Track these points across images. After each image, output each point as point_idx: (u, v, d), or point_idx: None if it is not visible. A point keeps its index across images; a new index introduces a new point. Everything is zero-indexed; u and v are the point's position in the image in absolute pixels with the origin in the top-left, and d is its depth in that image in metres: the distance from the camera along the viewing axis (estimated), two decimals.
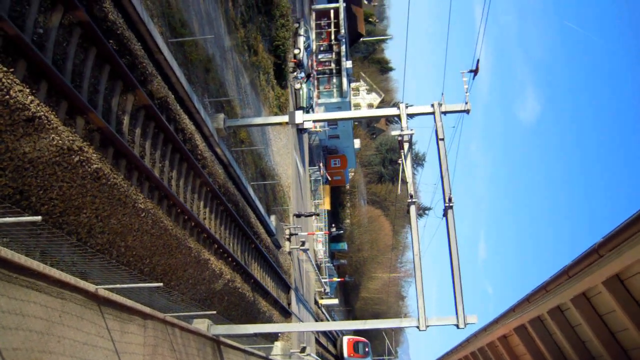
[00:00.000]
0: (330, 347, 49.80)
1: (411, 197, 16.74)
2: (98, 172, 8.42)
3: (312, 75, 42.41)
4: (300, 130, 33.68)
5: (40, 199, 7.54)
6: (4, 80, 6.52)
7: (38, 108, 7.06)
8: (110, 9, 9.91)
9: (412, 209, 16.77)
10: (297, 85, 33.52)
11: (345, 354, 51.46)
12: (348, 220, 73.50)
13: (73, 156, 7.80)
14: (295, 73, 33.15)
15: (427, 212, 79.69)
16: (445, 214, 16.13)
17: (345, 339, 52.40)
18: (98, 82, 9.78)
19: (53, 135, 7.34)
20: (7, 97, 6.55)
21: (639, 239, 4.25)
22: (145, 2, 11.93)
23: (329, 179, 56.81)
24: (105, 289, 8.29)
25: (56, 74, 8.04)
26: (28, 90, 6.98)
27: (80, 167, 8.00)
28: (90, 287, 7.90)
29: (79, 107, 8.76)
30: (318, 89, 50.41)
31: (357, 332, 62.09)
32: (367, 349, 52.68)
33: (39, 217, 5.81)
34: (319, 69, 51.37)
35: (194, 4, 15.75)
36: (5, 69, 6.62)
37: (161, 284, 9.27)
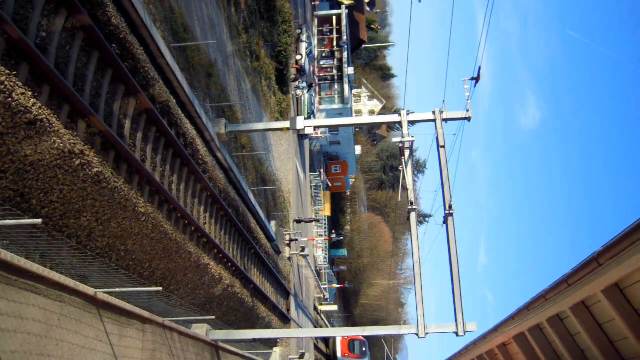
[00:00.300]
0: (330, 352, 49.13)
1: (412, 204, 16.74)
2: (99, 175, 8.44)
3: (314, 84, 42.40)
4: (302, 137, 33.76)
5: (41, 201, 7.55)
6: (6, 83, 6.55)
7: (40, 111, 7.09)
8: (113, 13, 9.95)
9: (413, 216, 16.77)
10: (299, 93, 33.51)
11: (339, 354, 46.17)
12: (348, 227, 73.46)
13: (74, 159, 7.82)
14: (297, 82, 33.11)
15: (427, 219, 79.72)
16: (445, 222, 16.11)
17: (339, 339, 46.72)
18: (100, 86, 9.81)
19: (54, 139, 7.37)
20: (10, 99, 6.58)
21: (638, 247, 4.25)
22: (149, 6, 11.98)
23: (330, 185, 56.79)
24: (104, 292, 8.29)
25: (58, 77, 8.07)
26: (30, 93, 7.01)
27: (81, 171, 8.02)
28: (90, 290, 7.90)
29: (81, 111, 8.79)
30: (320, 95, 50.51)
31: None
32: (364, 349, 47.39)
33: (39, 220, 5.81)
34: (321, 75, 51.49)
35: (197, 9, 15.81)
36: (7, 71, 6.65)
37: (160, 289, 9.26)
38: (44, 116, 7.16)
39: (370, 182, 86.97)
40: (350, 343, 46.51)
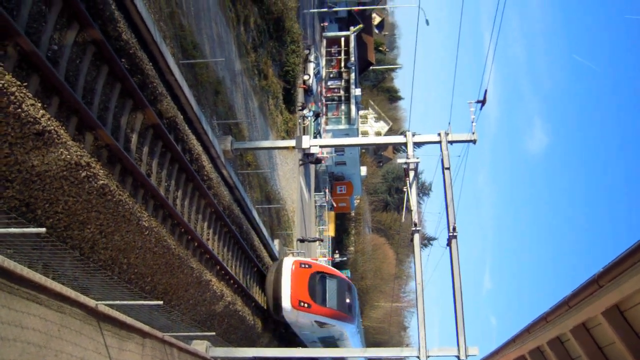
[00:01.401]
0: None
1: (415, 225, 16.72)
2: (104, 188, 8.51)
3: (321, 114, 42.33)
4: (307, 156, 33.68)
5: (46, 212, 7.62)
6: (17, 94, 6.65)
7: (48, 122, 7.18)
8: (124, 28, 10.09)
9: (416, 237, 16.73)
10: (306, 122, 33.54)
11: (286, 303, 20.36)
12: (352, 248, 73.20)
13: (80, 171, 7.90)
14: (304, 111, 33.15)
15: (431, 242, 79.33)
16: (449, 244, 16.09)
17: (289, 263, 21.40)
18: (108, 100, 9.92)
19: (62, 150, 7.45)
20: (19, 110, 6.68)
21: (638, 269, 4.26)
22: (159, 23, 12.14)
23: (334, 205, 56.73)
24: (105, 304, 8.30)
25: (68, 89, 8.18)
26: (40, 104, 7.12)
27: (86, 183, 8.09)
28: (91, 302, 7.91)
29: (89, 123, 8.89)
30: (326, 115, 50.73)
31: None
32: (348, 301, 22.84)
33: (44, 229, 5.86)
34: (328, 95, 51.76)
35: (207, 27, 16.00)
36: (19, 83, 6.76)
37: (161, 303, 9.26)
38: (52, 127, 7.25)
39: (375, 203, 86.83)
40: (316, 280, 21.39)
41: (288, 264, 21.12)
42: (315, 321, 21.17)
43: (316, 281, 21.33)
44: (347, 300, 22.76)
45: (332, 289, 21.92)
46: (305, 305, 20.53)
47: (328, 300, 21.50)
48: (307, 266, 21.59)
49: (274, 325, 22.47)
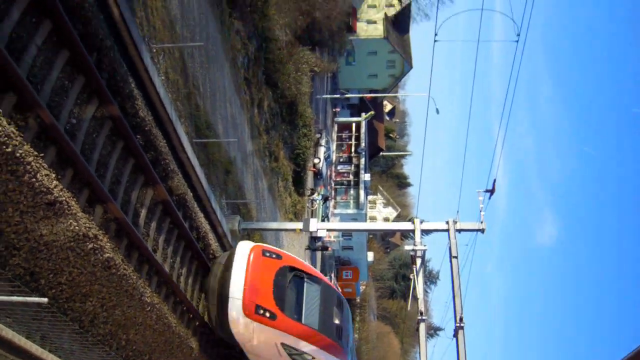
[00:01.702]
0: None
1: (421, 314, 16.41)
2: (109, 261, 8.50)
3: (329, 198, 42.69)
4: (315, 241, 33.46)
5: (50, 282, 7.60)
6: (33, 164, 6.80)
7: (60, 193, 7.30)
8: (141, 106, 10.41)
9: (422, 326, 16.39)
10: (315, 206, 33.81)
11: (236, 310, 12.54)
12: (356, 335, 71.37)
13: (87, 243, 7.93)
14: (313, 195, 33.49)
15: (438, 332, 77.44)
16: (455, 334, 15.71)
17: (246, 247, 13.70)
18: (121, 174, 10.09)
19: (71, 221, 7.52)
20: (34, 180, 6.81)
21: None
22: (176, 103, 12.52)
23: (340, 290, 55.81)
24: None
25: (82, 162, 8.36)
26: (54, 175, 7.27)
27: (92, 255, 8.10)
28: None
29: (100, 196, 9.01)
30: (335, 199, 50.97)
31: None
32: (337, 322, 14.26)
33: (46, 300, 5.83)
34: (338, 179, 52.21)
35: (221, 108, 16.45)
36: (36, 153, 6.92)
37: None
38: (64, 198, 7.36)
39: (381, 290, 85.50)
40: (287, 279, 13.47)
41: (244, 250, 13.67)
42: (283, 344, 13.14)
43: (287, 280, 13.60)
44: (336, 321, 14.47)
45: (312, 297, 14.01)
46: (267, 314, 12.77)
47: (305, 313, 13.56)
48: (274, 256, 14.02)
49: None
